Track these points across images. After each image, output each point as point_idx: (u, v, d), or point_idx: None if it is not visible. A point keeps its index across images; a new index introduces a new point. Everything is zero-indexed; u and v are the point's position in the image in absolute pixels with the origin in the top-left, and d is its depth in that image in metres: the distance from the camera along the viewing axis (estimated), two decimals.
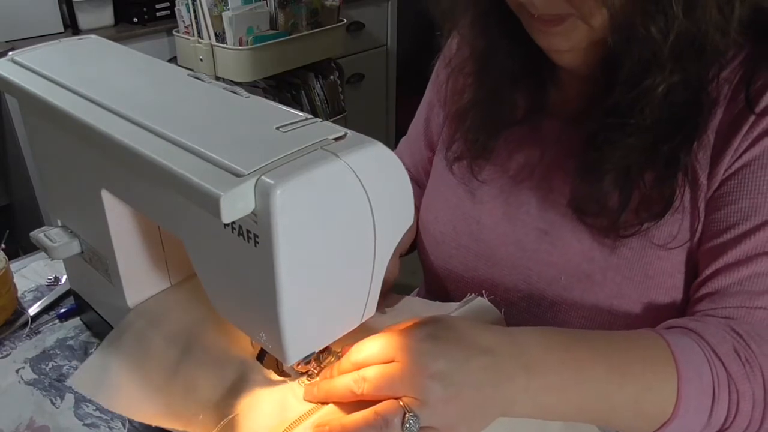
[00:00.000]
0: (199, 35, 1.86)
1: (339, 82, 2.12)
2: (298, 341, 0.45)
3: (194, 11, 1.83)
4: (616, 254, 0.59)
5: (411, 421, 0.42)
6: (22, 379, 0.63)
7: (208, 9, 1.78)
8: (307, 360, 0.48)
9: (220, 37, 1.83)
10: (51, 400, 0.60)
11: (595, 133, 0.57)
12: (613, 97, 0.55)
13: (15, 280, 0.72)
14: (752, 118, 0.53)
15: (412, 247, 0.80)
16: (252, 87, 1.88)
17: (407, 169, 0.80)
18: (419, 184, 0.80)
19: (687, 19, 0.49)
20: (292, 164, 0.39)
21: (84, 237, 0.61)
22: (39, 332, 0.69)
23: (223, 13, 1.78)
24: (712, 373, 0.48)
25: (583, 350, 0.48)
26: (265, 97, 0.51)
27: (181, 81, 0.53)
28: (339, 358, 0.51)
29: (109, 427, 0.56)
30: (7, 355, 0.66)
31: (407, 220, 0.46)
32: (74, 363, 0.65)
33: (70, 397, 0.60)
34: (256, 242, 0.39)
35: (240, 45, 1.81)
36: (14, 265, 0.78)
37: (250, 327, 0.48)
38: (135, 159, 0.43)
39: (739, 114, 0.54)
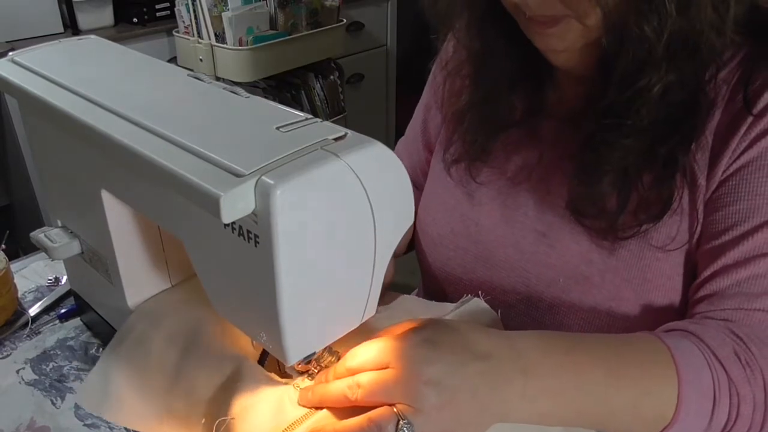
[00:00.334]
0: (199, 35, 1.86)
1: (339, 82, 2.12)
2: (298, 341, 0.45)
3: (194, 11, 1.83)
4: (615, 256, 0.59)
5: (405, 428, 0.42)
6: (23, 379, 0.63)
7: (208, 9, 1.78)
8: (307, 360, 0.48)
9: (220, 37, 1.83)
10: (51, 401, 0.60)
11: (592, 135, 0.57)
12: (610, 98, 0.55)
13: (15, 281, 0.72)
14: (750, 119, 0.53)
15: (410, 247, 0.79)
16: (252, 87, 1.88)
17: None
18: (417, 186, 0.80)
19: (681, 17, 0.49)
20: (292, 164, 0.39)
21: (84, 237, 0.61)
22: (39, 333, 0.69)
23: (223, 14, 1.78)
24: (713, 377, 0.47)
25: (582, 354, 0.47)
26: (265, 97, 0.51)
27: (181, 81, 0.53)
28: (339, 358, 0.51)
29: (110, 428, 0.56)
30: (7, 356, 0.66)
31: (407, 220, 0.46)
32: (74, 363, 0.65)
33: (70, 398, 0.60)
34: (256, 242, 0.39)
35: (240, 45, 1.81)
36: (14, 266, 0.78)
37: (251, 327, 0.48)
38: (135, 159, 0.43)
39: (737, 115, 0.54)
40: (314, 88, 2.06)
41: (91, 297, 0.67)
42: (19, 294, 0.74)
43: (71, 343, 0.68)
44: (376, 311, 0.49)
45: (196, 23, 1.84)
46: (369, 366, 0.46)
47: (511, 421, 0.45)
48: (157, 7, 1.97)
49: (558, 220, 0.63)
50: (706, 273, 0.55)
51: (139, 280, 0.59)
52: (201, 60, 1.86)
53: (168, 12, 1.98)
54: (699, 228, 0.56)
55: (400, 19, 2.51)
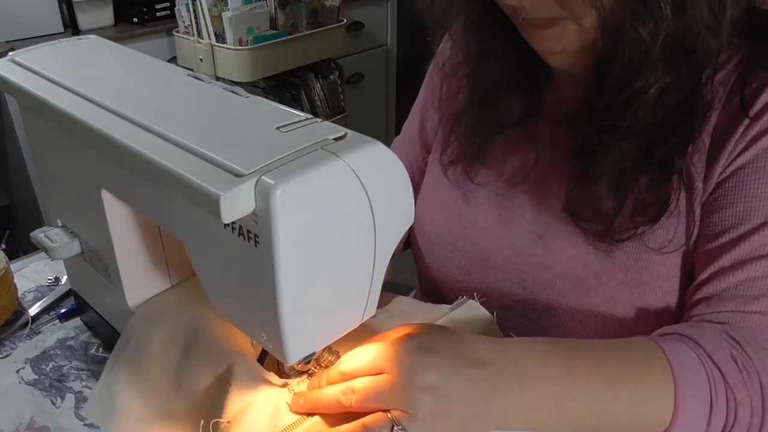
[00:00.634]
0: (199, 35, 1.86)
1: (339, 82, 2.12)
2: (298, 341, 0.45)
3: (194, 11, 1.83)
4: (611, 258, 0.59)
5: None
6: (23, 379, 0.63)
7: (208, 9, 1.78)
8: (307, 360, 0.48)
9: (220, 37, 1.83)
10: (51, 401, 0.60)
11: (588, 137, 0.57)
12: (606, 100, 0.55)
13: (15, 281, 0.72)
14: (746, 121, 0.53)
15: (407, 245, 0.79)
16: (252, 87, 1.88)
17: None
18: (414, 185, 0.79)
19: (676, 19, 0.48)
20: (292, 164, 0.39)
21: (84, 237, 0.61)
22: (39, 332, 0.69)
23: (223, 13, 1.78)
24: (709, 381, 0.47)
25: (578, 361, 0.47)
26: (265, 97, 0.51)
27: (181, 81, 0.53)
28: (339, 357, 0.51)
29: None
30: (7, 356, 0.66)
31: (407, 220, 0.46)
32: (74, 363, 0.65)
33: (70, 398, 0.60)
34: (256, 242, 0.39)
35: (240, 45, 1.81)
36: (14, 266, 0.78)
37: (250, 327, 0.48)
38: (135, 159, 0.43)
39: (734, 117, 0.54)
40: (314, 88, 2.07)
41: (91, 297, 0.67)
42: (19, 294, 0.74)
43: (71, 342, 0.68)
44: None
45: (196, 23, 1.85)
46: (363, 371, 0.46)
47: (507, 429, 0.44)
48: (157, 7, 1.97)
49: (555, 222, 0.62)
50: (703, 276, 0.55)
51: (139, 280, 0.59)
52: (201, 60, 1.87)
53: (168, 12, 1.98)
54: (696, 230, 0.56)
55: (400, 19, 2.51)
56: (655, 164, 0.55)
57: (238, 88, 0.50)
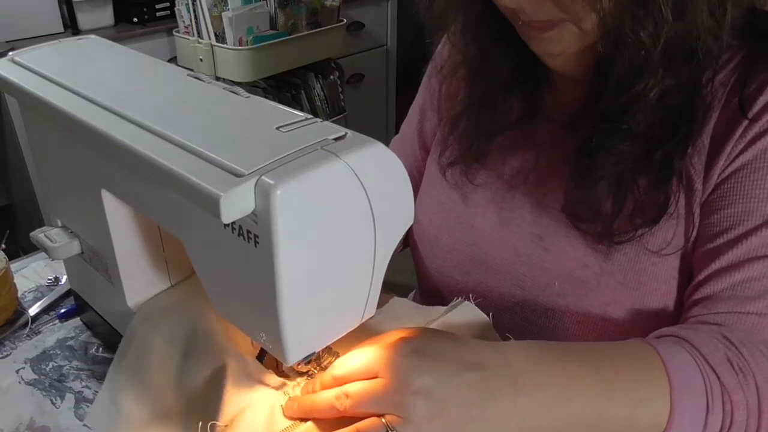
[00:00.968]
0: (199, 35, 1.86)
1: (339, 82, 2.12)
2: (298, 341, 0.45)
3: (194, 11, 1.83)
4: (610, 260, 0.58)
5: None
6: (23, 379, 0.63)
7: (208, 9, 1.78)
8: (307, 360, 0.48)
9: (220, 37, 1.83)
10: (51, 401, 0.60)
11: (587, 139, 0.57)
12: (606, 102, 0.54)
13: (15, 281, 0.72)
14: (745, 122, 0.53)
15: (405, 244, 0.79)
16: (252, 87, 1.88)
17: None
18: (413, 185, 0.79)
19: (677, 22, 0.48)
20: (292, 164, 0.39)
21: (84, 237, 0.61)
22: (39, 332, 0.69)
23: (223, 13, 1.78)
24: (705, 384, 0.47)
25: (573, 364, 0.47)
26: (265, 97, 0.51)
27: (181, 81, 0.53)
28: (339, 358, 0.50)
29: None
30: (7, 356, 0.66)
31: (407, 220, 0.46)
32: (74, 363, 0.65)
33: (70, 397, 0.60)
34: (256, 242, 0.39)
35: (240, 45, 1.81)
36: (14, 266, 0.78)
37: (250, 327, 0.48)
38: (135, 159, 0.43)
39: (733, 118, 0.54)
40: (314, 88, 2.07)
41: (90, 297, 0.67)
42: (19, 294, 0.74)
43: (71, 342, 0.68)
44: None
45: (196, 23, 1.85)
46: (357, 375, 0.45)
47: None
48: (157, 7, 1.97)
49: (554, 223, 0.62)
50: (701, 276, 0.55)
51: (139, 280, 0.59)
52: (201, 60, 1.87)
53: (168, 12, 1.98)
54: (695, 232, 0.56)
55: (400, 19, 2.51)
56: (655, 166, 0.55)
57: (238, 88, 0.50)
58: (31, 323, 0.70)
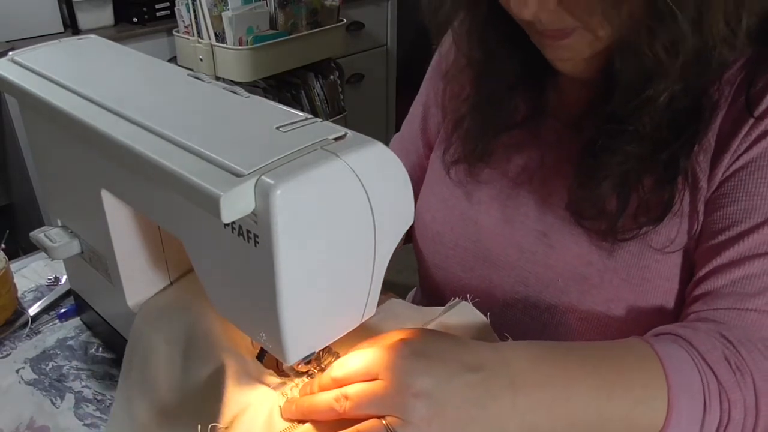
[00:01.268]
0: (199, 35, 1.86)
1: (339, 82, 2.13)
2: (298, 341, 0.45)
3: (194, 11, 1.83)
4: (614, 257, 0.59)
5: None
6: (22, 379, 0.63)
7: (208, 9, 1.78)
8: (307, 360, 0.48)
9: (220, 37, 1.83)
10: (51, 400, 0.60)
11: (593, 139, 0.57)
12: (613, 104, 0.54)
13: (15, 280, 0.72)
14: (751, 121, 0.53)
15: (407, 240, 0.79)
16: (252, 87, 1.88)
17: None
18: (415, 182, 0.79)
19: (694, 35, 0.48)
20: (292, 164, 0.39)
21: (84, 237, 0.61)
22: (39, 332, 0.69)
23: (223, 13, 1.78)
24: (703, 382, 0.47)
25: (572, 364, 0.47)
26: (265, 97, 0.51)
27: (181, 81, 0.53)
28: (338, 358, 0.50)
29: None
30: (7, 355, 0.66)
31: (407, 220, 0.46)
32: (74, 363, 0.65)
33: (70, 397, 0.60)
34: (256, 242, 0.39)
35: (240, 45, 1.81)
36: (14, 265, 0.78)
37: (250, 327, 0.48)
38: (135, 159, 0.43)
39: (740, 116, 0.54)
40: (314, 88, 2.07)
41: (90, 297, 0.67)
42: (19, 294, 0.74)
43: (71, 342, 0.68)
44: None
45: (196, 23, 1.85)
46: (357, 377, 0.45)
47: None
48: (157, 6, 1.97)
49: (558, 221, 0.63)
50: (702, 272, 0.55)
51: (138, 279, 0.59)
52: (201, 60, 1.87)
53: (168, 12, 1.98)
54: (698, 228, 0.56)
55: (400, 19, 2.51)
56: (660, 166, 0.55)
57: (238, 88, 0.50)
58: (31, 323, 0.70)
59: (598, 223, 0.58)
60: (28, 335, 0.69)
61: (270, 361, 0.55)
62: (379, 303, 0.60)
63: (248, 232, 0.40)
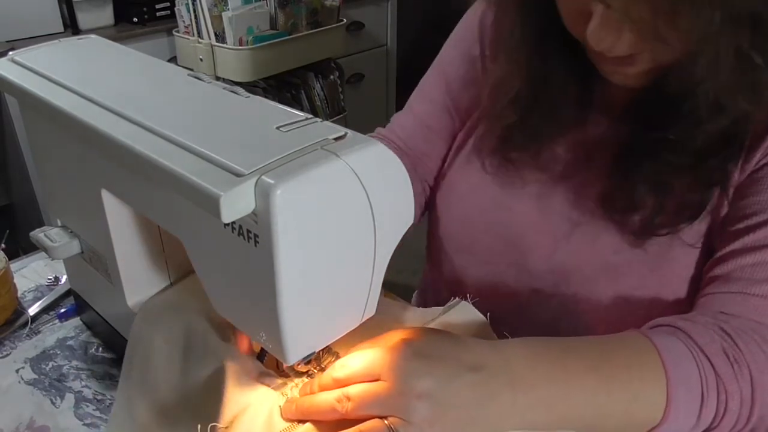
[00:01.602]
0: (199, 35, 1.86)
1: (339, 82, 2.13)
2: (298, 341, 0.45)
3: (194, 11, 1.83)
4: (645, 250, 0.60)
5: None
6: (22, 379, 0.63)
7: (208, 9, 1.78)
8: (307, 360, 0.48)
9: (220, 37, 1.83)
10: (51, 400, 0.60)
11: (634, 143, 0.58)
12: (660, 114, 0.55)
13: (15, 280, 0.72)
14: None
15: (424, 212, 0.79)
16: (252, 87, 1.88)
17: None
18: (444, 149, 0.78)
19: None
20: (292, 164, 0.39)
21: (84, 237, 0.61)
22: (39, 332, 0.69)
23: (223, 13, 1.78)
24: (701, 375, 0.48)
25: (571, 360, 0.47)
26: (265, 97, 0.51)
27: (181, 81, 0.53)
28: (339, 358, 0.50)
29: None
30: (7, 355, 0.66)
31: (407, 219, 0.46)
32: (74, 363, 0.65)
33: (70, 397, 0.60)
34: (256, 242, 0.40)
35: (240, 45, 1.81)
36: (14, 265, 0.78)
37: (250, 327, 0.48)
38: (135, 159, 0.43)
39: None
40: (314, 88, 2.07)
41: (90, 296, 0.67)
42: (19, 293, 0.74)
43: (71, 342, 0.68)
44: None
45: (196, 23, 1.85)
46: (358, 378, 0.45)
47: (502, 430, 0.45)
48: (157, 6, 1.97)
49: (591, 212, 0.64)
50: (719, 254, 0.57)
51: (138, 279, 0.59)
52: (201, 60, 1.87)
53: (168, 12, 1.98)
54: (725, 213, 0.58)
55: (400, 19, 2.51)
56: (700, 174, 0.56)
57: (238, 88, 0.50)
58: (31, 323, 0.70)
59: (631, 219, 0.60)
60: (28, 335, 0.69)
61: (270, 361, 0.55)
62: (379, 303, 0.60)
63: (248, 232, 0.40)
